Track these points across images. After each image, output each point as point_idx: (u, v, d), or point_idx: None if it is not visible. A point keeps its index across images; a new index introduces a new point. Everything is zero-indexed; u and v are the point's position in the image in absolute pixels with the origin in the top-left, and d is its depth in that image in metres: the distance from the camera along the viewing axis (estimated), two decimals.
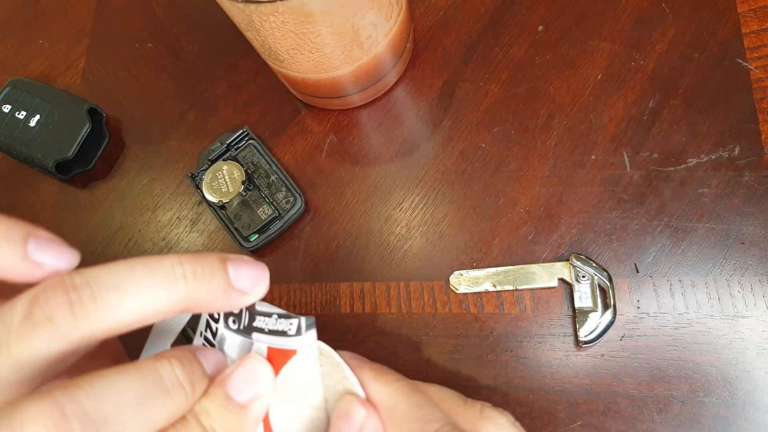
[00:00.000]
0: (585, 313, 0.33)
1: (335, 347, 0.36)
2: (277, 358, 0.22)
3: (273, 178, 0.38)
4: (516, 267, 0.35)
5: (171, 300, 0.19)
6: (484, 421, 0.22)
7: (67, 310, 0.18)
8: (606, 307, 0.33)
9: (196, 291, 0.20)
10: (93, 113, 0.41)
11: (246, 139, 0.39)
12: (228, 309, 0.22)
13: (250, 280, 0.21)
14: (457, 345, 0.34)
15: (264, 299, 0.38)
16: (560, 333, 0.33)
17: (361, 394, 0.22)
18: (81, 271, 0.19)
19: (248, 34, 0.33)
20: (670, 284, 0.33)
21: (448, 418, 0.21)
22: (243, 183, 0.37)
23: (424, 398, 0.22)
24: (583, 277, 0.33)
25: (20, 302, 0.18)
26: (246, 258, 0.22)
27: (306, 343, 0.21)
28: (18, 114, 0.40)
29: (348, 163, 0.39)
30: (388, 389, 0.22)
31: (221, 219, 0.38)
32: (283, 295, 0.37)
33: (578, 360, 0.33)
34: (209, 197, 0.37)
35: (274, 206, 0.37)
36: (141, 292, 0.19)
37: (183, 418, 0.19)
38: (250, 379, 0.21)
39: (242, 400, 0.21)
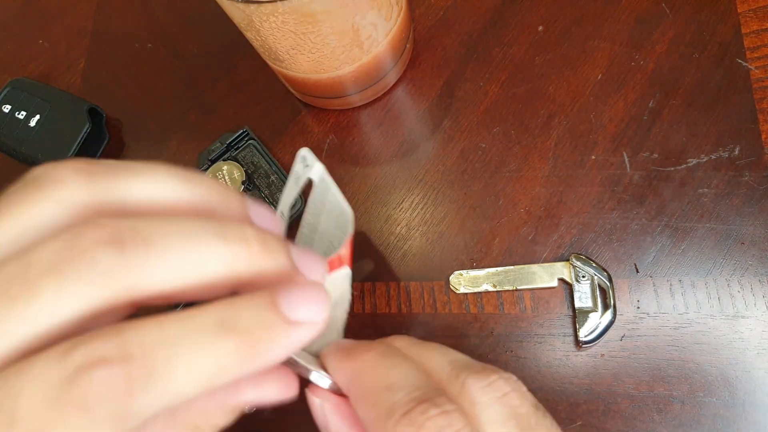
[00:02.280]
0: (585, 313, 0.33)
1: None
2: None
3: (273, 178, 0.38)
4: (516, 267, 0.35)
5: (233, 265, 0.17)
6: (463, 397, 0.19)
7: (114, 257, 0.15)
8: (606, 307, 0.33)
9: (260, 260, 0.17)
10: (93, 113, 0.41)
11: (246, 139, 0.39)
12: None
13: (309, 260, 0.19)
14: (457, 345, 0.34)
15: None
16: (560, 333, 0.33)
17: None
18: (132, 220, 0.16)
19: (248, 35, 0.33)
20: (670, 284, 0.33)
21: (420, 386, 0.18)
22: (243, 183, 0.37)
23: (397, 361, 0.19)
24: (583, 277, 0.33)
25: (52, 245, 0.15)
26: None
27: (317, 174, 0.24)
28: (18, 114, 0.40)
29: (348, 164, 0.39)
30: (356, 363, 0.19)
31: None
32: None
33: (578, 360, 0.33)
34: None
35: (274, 206, 0.37)
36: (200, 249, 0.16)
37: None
38: (308, 303, 0.17)
39: (288, 314, 0.17)
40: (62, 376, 0.14)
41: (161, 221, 0.16)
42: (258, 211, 0.20)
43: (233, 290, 0.17)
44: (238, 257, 0.17)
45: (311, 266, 0.19)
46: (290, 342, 0.17)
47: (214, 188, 0.19)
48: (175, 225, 0.16)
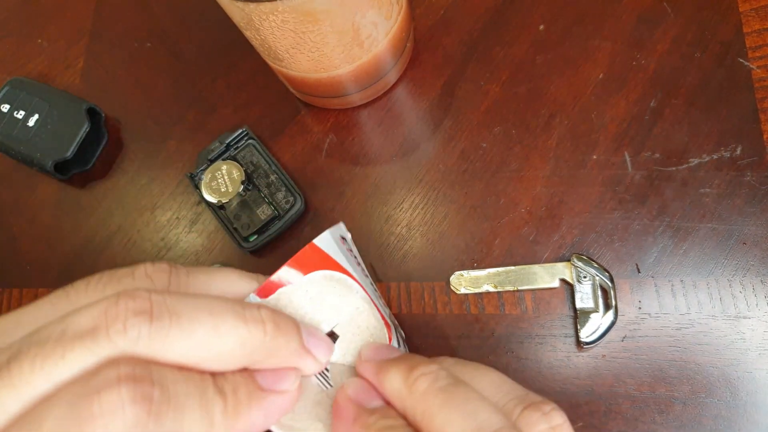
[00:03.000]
0: (586, 313, 0.32)
1: None
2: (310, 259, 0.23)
3: (272, 178, 0.38)
4: (517, 267, 0.34)
5: (248, 343, 0.19)
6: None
7: (144, 326, 0.17)
8: (607, 307, 0.32)
9: (273, 340, 0.19)
10: (92, 113, 0.40)
11: (245, 138, 0.39)
12: (292, 365, 0.21)
13: (319, 345, 0.22)
14: (457, 346, 0.34)
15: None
16: (561, 334, 0.33)
17: (377, 322, 0.23)
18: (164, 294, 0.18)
19: (248, 33, 0.32)
20: (672, 285, 0.33)
21: (506, 421, 0.18)
22: (242, 183, 0.37)
23: (469, 394, 0.19)
24: (585, 277, 0.33)
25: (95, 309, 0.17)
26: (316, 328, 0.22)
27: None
28: (17, 113, 0.40)
29: (348, 163, 0.39)
30: (417, 392, 0.19)
31: (220, 219, 0.37)
32: None
33: (579, 361, 0.33)
34: (208, 197, 0.37)
35: (273, 206, 0.37)
36: (222, 328, 0.18)
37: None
38: (280, 376, 0.21)
39: (265, 385, 0.20)
40: (101, 308, 0.17)
41: (189, 299, 0.19)
42: (314, 342, 0.22)
43: (247, 364, 0.20)
44: (253, 337, 0.19)
45: (318, 348, 0.21)
46: (268, 405, 0.20)
47: (269, 335, 0.20)
48: (203, 303, 0.19)
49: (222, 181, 0.37)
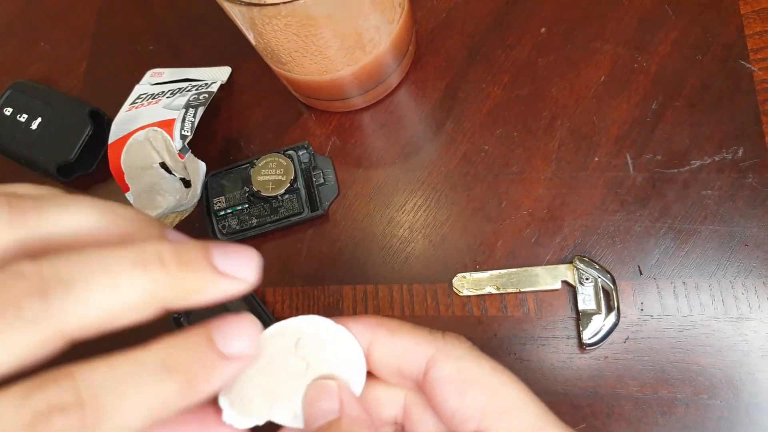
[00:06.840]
0: (588, 315, 0.33)
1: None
2: None
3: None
4: (519, 269, 0.34)
5: (150, 292, 0.17)
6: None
7: (38, 304, 0.16)
8: (609, 309, 0.33)
9: (181, 280, 0.18)
10: (95, 116, 0.41)
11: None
12: (216, 298, 0.19)
13: (236, 262, 0.19)
14: None
15: (266, 302, 0.37)
16: (564, 335, 0.33)
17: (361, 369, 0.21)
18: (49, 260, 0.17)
19: (251, 37, 0.33)
20: (674, 286, 0.33)
21: None
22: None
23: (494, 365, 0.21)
24: (587, 279, 0.33)
25: None
26: (232, 245, 0.20)
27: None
28: (19, 117, 0.40)
29: (351, 166, 0.39)
30: (452, 359, 0.21)
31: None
32: (286, 298, 0.37)
33: (582, 362, 0.33)
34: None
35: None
36: (117, 283, 0.17)
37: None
38: (240, 337, 0.19)
39: (223, 349, 0.18)
40: (22, 422, 0.15)
41: (80, 258, 0.17)
42: (176, 237, 0.20)
43: (165, 309, 0.18)
44: (158, 282, 0.17)
45: (237, 266, 0.19)
46: (226, 374, 0.18)
47: (133, 217, 0.19)
48: (95, 260, 0.17)
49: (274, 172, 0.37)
